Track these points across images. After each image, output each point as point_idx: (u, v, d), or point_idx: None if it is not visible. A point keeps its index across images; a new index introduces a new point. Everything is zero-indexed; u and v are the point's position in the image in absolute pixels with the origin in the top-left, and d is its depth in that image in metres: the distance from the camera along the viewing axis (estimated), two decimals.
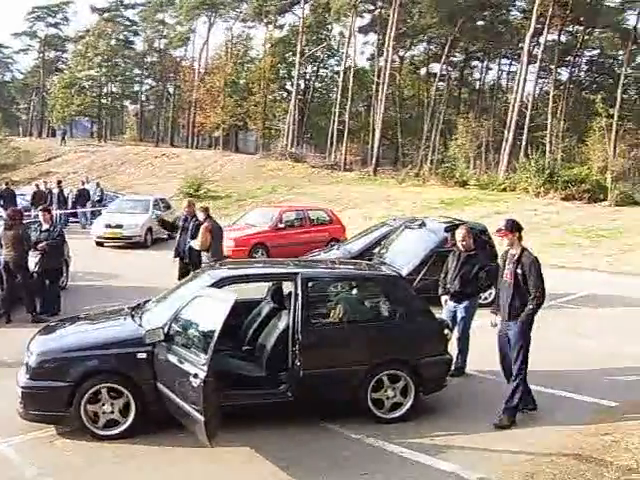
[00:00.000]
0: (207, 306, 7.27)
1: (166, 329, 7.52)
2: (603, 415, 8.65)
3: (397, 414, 8.25)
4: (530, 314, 8.36)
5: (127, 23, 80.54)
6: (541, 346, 12.01)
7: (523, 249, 8.40)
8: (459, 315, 10.04)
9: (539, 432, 8.09)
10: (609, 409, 8.92)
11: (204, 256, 13.05)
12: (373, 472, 6.98)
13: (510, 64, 69.40)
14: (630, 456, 7.31)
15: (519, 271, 8.23)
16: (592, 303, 16.17)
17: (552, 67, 59.57)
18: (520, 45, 53.42)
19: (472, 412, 8.73)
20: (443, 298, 10.23)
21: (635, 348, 11.88)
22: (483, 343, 11.08)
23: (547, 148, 49.42)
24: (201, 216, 13.56)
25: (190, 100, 66.86)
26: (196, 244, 13.12)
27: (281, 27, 69.65)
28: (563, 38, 60.51)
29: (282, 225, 20.87)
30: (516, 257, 8.32)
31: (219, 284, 7.93)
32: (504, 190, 39.17)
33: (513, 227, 8.37)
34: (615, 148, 42.56)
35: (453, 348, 9.64)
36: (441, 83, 65.82)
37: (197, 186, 39.21)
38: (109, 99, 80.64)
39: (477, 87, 73.62)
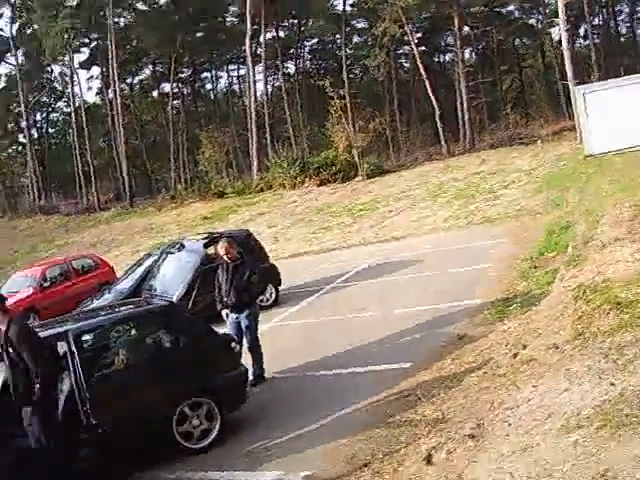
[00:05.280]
0: None
1: None
2: (401, 377, 8.94)
3: (209, 440, 8.05)
4: (41, 395, 7.10)
5: None
6: (328, 329, 12.40)
7: (10, 321, 7.32)
8: (243, 325, 9.97)
9: (348, 413, 8.22)
10: (405, 370, 9.23)
11: None
12: None
13: (238, 68, 70.53)
14: (434, 408, 7.62)
15: (11, 350, 7.12)
16: (368, 275, 16.74)
17: (278, 63, 61.33)
18: (243, 48, 54.38)
19: (281, 415, 8.72)
20: (224, 312, 10.12)
21: (414, 306, 12.50)
22: (275, 344, 11.21)
23: (292, 141, 50.86)
24: None
25: None
26: None
27: None
28: (282, 33, 62.59)
29: (47, 283, 19.78)
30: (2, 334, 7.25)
31: None
32: (261, 191, 39.84)
33: None
34: (354, 125, 44.50)
35: (247, 359, 9.58)
36: (176, 101, 65.70)
37: None
38: None
39: (212, 97, 74.22)
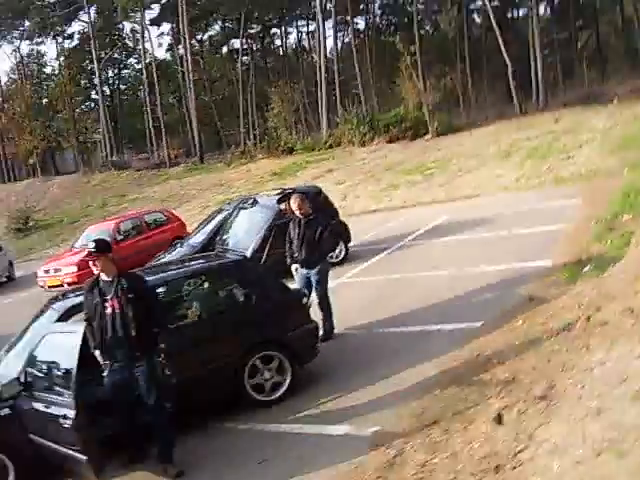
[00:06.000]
0: (58, 342, 6.94)
1: (22, 378, 7.10)
2: (471, 337, 8.91)
3: (279, 393, 8.22)
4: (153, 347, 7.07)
5: None
6: (399, 287, 12.43)
7: (121, 273, 7.13)
8: (313, 280, 10.03)
9: (417, 371, 8.24)
10: (476, 329, 9.19)
11: None
12: (270, 457, 6.95)
13: (308, 24, 70.21)
14: (504, 368, 7.58)
15: (122, 301, 6.92)
16: (437, 234, 16.62)
17: (348, 19, 60.72)
18: (313, 4, 53.95)
19: (350, 371, 8.79)
20: (293, 267, 10.19)
21: (486, 264, 12.37)
22: (344, 301, 11.28)
23: (362, 97, 50.48)
24: None
25: None
26: None
27: (71, 37, 67.28)
28: None
29: (121, 237, 20.19)
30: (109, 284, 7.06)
31: (66, 316, 7.58)
32: (330, 147, 39.77)
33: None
34: (425, 82, 43.93)
35: (317, 314, 9.68)
36: (245, 57, 65.78)
37: (25, 219, 37.51)
38: None
39: (281, 53, 74.06)
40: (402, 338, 9.61)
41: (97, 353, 6.89)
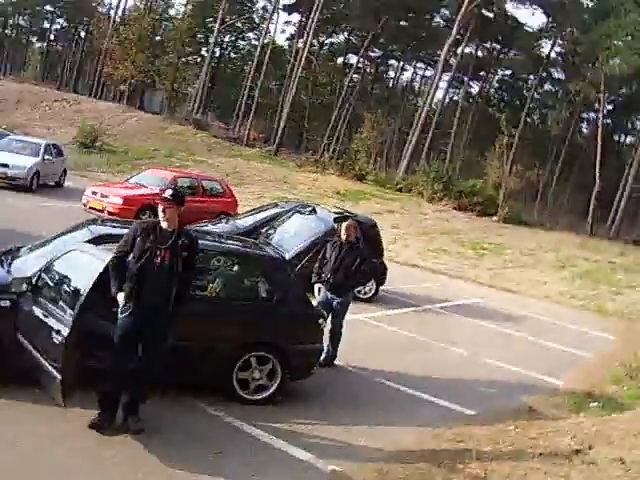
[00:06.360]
0: (81, 262, 7.00)
1: (34, 279, 7.19)
2: (461, 422, 8.81)
3: (260, 396, 8.16)
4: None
5: None
6: (413, 347, 12.39)
7: (182, 230, 7.02)
8: (336, 306, 10.00)
9: (397, 431, 8.21)
10: (467, 417, 9.11)
11: None
12: (228, 452, 6.90)
13: (425, 69, 70.69)
14: (479, 465, 7.47)
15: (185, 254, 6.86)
16: (468, 312, 16.53)
17: (465, 79, 60.94)
18: (438, 52, 54.21)
19: (335, 403, 8.77)
20: (317, 286, 10.16)
21: (502, 361, 12.28)
22: (357, 338, 11.24)
23: (448, 156, 50.53)
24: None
25: (100, 48, 64.61)
26: None
27: None
28: (480, 53, 62.05)
29: None
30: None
31: (98, 241, 7.64)
32: (399, 190, 39.83)
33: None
34: (512, 167, 43.83)
35: (325, 339, 9.64)
36: (356, 75, 66.30)
37: (94, 138, 38.02)
38: (14, 32, 77.23)
39: (390, 85, 74.49)
40: (397, 395, 9.54)
41: (120, 295, 6.67)
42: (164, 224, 6.76)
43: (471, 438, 8.28)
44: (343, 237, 10.24)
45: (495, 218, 35.37)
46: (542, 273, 24.92)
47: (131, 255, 6.71)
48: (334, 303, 10.03)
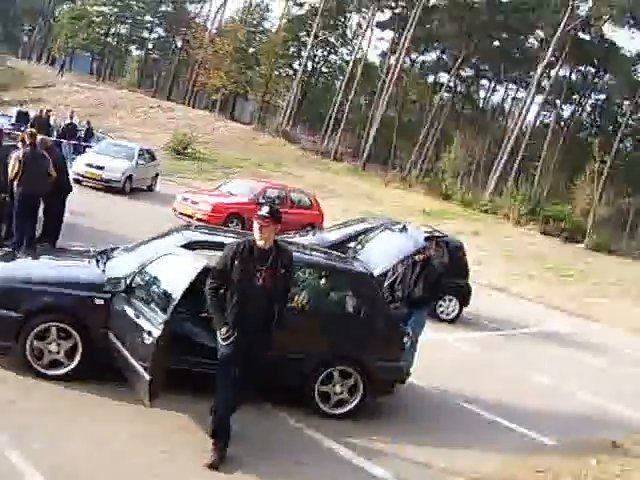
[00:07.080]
0: (175, 266, 7.13)
1: (129, 280, 7.38)
2: (541, 452, 8.65)
3: (341, 410, 8.16)
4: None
5: None
6: (495, 371, 12.21)
7: (279, 246, 6.70)
8: (414, 319, 9.79)
9: (477, 456, 8.09)
10: (548, 446, 8.94)
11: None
12: (306, 464, 6.91)
13: (517, 90, 69.73)
14: None
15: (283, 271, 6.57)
16: (552, 339, 16.30)
17: (557, 102, 59.93)
18: (531, 73, 53.52)
19: (414, 423, 8.72)
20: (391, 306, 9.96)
21: (585, 392, 12.04)
22: (437, 357, 11.16)
23: (536, 180, 49.73)
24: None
25: (196, 58, 66.16)
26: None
27: (301, 5, 69.25)
28: (574, 76, 60.96)
29: (263, 200, 20.65)
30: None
31: (191, 246, 7.79)
32: (485, 212, 39.36)
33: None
34: (602, 194, 42.84)
35: None
36: (446, 94, 65.91)
37: (185, 144, 38.86)
38: (115, 40, 79.73)
39: (480, 105, 73.84)
40: (477, 420, 9.45)
41: (224, 329, 6.38)
42: (260, 242, 6.42)
43: (551, 469, 8.12)
44: (424, 254, 10.19)
45: (582, 245, 34.61)
46: (631, 305, 24.23)
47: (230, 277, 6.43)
48: (413, 316, 9.85)
